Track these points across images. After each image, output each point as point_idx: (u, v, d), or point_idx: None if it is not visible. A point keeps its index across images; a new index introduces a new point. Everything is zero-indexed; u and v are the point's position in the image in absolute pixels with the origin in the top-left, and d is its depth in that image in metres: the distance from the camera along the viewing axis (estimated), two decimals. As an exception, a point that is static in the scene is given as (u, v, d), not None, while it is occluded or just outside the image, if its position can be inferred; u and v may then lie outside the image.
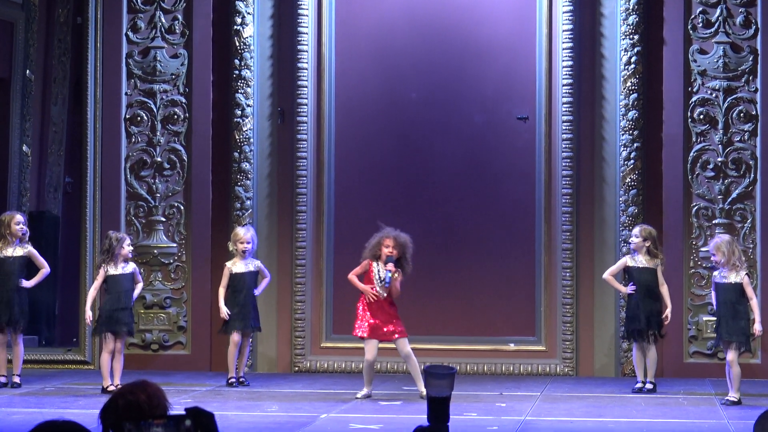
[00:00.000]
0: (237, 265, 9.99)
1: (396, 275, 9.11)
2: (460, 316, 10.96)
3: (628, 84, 10.65)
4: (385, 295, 9.14)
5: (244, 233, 10.02)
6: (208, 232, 11.02)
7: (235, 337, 9.87)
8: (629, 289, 9.59)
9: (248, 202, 11.00)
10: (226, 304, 9.89)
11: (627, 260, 9.73)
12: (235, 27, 10.96)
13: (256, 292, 10.06)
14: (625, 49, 10.65)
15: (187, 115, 11.05)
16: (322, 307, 11.11)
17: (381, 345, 9.22)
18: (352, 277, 9.27)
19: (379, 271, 9.14)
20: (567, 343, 10.79)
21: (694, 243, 10.62)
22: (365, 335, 9.12)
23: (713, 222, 10.60)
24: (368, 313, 9.13)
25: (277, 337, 11.09)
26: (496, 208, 11.01)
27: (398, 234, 9.20)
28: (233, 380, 9.89)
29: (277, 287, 10.98)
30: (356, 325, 9.20)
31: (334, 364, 11.00)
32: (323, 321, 11.11)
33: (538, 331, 10.88)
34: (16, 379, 9.80)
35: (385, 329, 9.10)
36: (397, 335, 9.09)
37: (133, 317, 9.90)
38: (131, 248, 9.83)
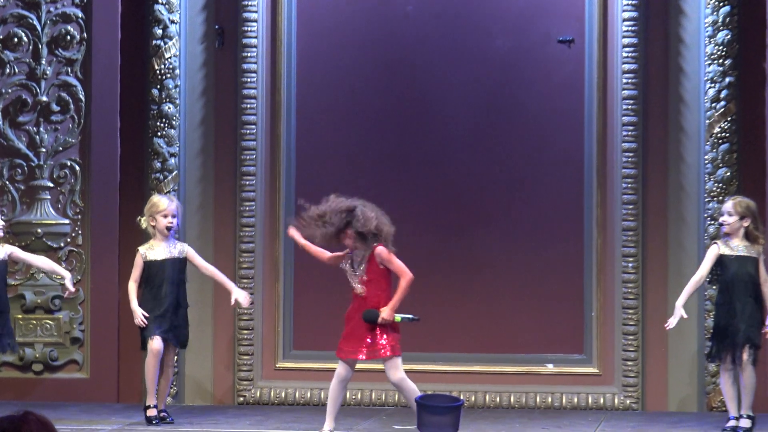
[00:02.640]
0: (155, 250, 9.90)
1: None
2: (475, 325, 10.92)
3: (718, -9, 10.71)
4: (363, 292, 8.98)
5: (167, 204, 9.91)
6: (115, 203, 11.00)
7: (155, 343, 9.73)
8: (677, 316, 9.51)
9: (172, 161, 10.94)
10: (140, 305, 9.80)
11: (719, 247, 9.56)
12: None
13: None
14: (713, -62, 10.72)
15: (84, 35, 11.05)
16: (277, 312, 11.08)
17: (370, 367, 9.25)
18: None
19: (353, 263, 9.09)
20: (629, 363, 10.72)
21: (812, 221, 10.70)
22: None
23: (841, 190, 10.71)
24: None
25: (213, 354, 11.08)
26: (527, 171, 10.96)
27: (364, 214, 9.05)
28: (154, 410, 9.77)
29: (213, 283, 10.64)
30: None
31: (295, 393, 10.98)
32: (279, 331, 11.08)
33: (588, 347, 10.85)
34: None
35: (351, 346, 8.99)
36: (364, 356, 8.93)
37: (11, 325, 9.96)
38: (3, 224, 9.87)
